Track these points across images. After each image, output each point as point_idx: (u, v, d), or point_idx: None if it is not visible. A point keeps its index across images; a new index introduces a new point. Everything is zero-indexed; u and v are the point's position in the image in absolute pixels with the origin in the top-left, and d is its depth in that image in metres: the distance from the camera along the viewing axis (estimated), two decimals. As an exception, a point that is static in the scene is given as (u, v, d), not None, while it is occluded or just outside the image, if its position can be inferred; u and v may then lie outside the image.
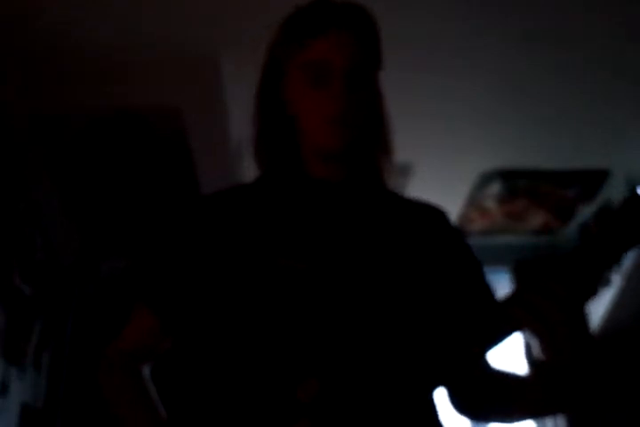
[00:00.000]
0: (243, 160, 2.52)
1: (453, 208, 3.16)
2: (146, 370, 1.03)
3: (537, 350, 0.85)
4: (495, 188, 3.05)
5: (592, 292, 0.84)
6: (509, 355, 3.20)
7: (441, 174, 2.92)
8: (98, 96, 2.40)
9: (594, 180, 3.03)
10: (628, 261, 3.02)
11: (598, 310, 3.20)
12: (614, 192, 3.04)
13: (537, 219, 3.32)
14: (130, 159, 2.71)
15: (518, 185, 3.05)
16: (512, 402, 0.95)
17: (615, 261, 0.81)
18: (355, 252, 0.96)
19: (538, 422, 3.27)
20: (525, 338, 0.85)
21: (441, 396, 1.00)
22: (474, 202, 3.14)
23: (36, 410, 2.78)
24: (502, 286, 3.40)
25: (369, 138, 1.08)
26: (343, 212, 1.02)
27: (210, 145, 2.62)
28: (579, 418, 3.11)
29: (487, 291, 1.04)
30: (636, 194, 0.78)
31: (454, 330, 0.87)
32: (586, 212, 3.26)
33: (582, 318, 0.83)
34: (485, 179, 2.98)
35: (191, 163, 2.72)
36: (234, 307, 0.95)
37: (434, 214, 1.12)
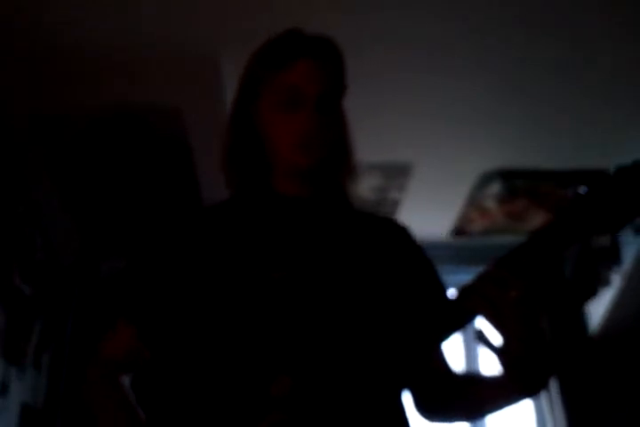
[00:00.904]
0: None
1: (453, 208, 3.16)
2: (125, 380, 1.08)
3: (492, 339, 0.88)
4: (495, 188, 3.05)
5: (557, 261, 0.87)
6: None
7: (441, 174, 2.91)
8: (98, 96, 2.40)
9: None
10: (628, 261, 3.02)
11: (598, 310, 3.20)
12: (614, 192, 3.03)
13: (537, 219, 3.32)
14: (130, 159, 2.71)
15: (518, 185, 3.05)
16: (471, 397, 1.01)
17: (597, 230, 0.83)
18: (322, 260, 1.04)
19: (538, 421, 3.27)
20: (477, 327, 0.90)
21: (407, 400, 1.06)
22: (474, 202, 3.14)
23: (36, 410, 2.78)
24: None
25: (335, 158, 1.16)
26: (310, 225, 1.10)
27: (210, 145, 2.61)
28: (578, 418, 3.11)
29: (441, 290, 1.13)
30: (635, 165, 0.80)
31: (411, 324, 0.92)
32: (586, 212, 3.25)
33: (533, 307, 0.87)
34: (485, 179, 2.98)
35: (191, 163, 2.72)
36: (206, 312, 1.02)
37: (393, 227, 1.20)
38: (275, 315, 0.98)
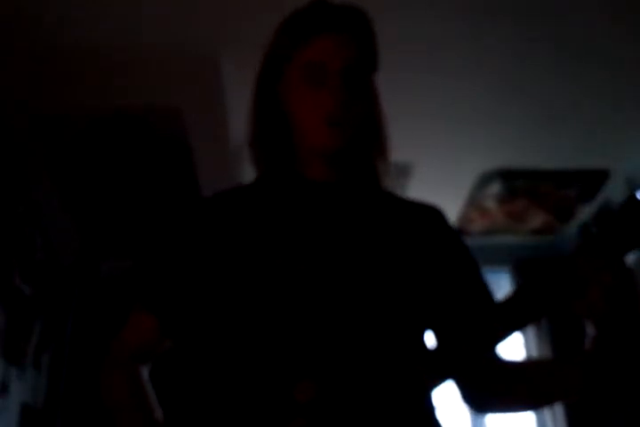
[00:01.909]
0: (243, 160, 2.52)
1: (453, 208, 3.16)
2: (144, 371, 1.03)
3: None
4: (495, 188, 3.05)
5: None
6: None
7: (441, 174, 2.92)
8: (98, 96, 2.40)
9: (594, 180, 3.03)
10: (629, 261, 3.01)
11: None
12: (614, 192, 3.04)
13: (537, 219, 3.32)
14: (130, 159, 2.71)
15: (518, 185, 3.05)
16: (520, 389, 0.96)
17: (614, 263, 0.82)
18: (348, 252, 0.97)
19: (537, 421, 3.27)
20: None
21: (440, 393, 1.01)
22: (474, 202, 3.14)
23: (36, 410, 2.78)
24: (502, 285, 3.40)
25: (365, 139, 1.09)
26: (336, 213, 1.03)
27: (210, 145, 2.62)
28: (578, 418, 3.11)
29: (484, 288, 1.05)
30: (635, 196, 0.79)
31: (451, 329, 0.87)
32: (586, 212, 3.26)
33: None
34: (485, 179, 2.98)
35: (191, 163, 2.72)
36: (230, 307, 0.96)
37: (430, 214, 1.12)
38: (297, 311, 0.92)
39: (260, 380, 0.90)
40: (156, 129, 2.56)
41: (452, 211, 3.18)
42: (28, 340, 2.71)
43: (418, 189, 2.97)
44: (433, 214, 1.13)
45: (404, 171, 2.86)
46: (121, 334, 1.06)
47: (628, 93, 2.50)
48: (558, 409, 3.14)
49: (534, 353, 3.28)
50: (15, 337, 2.55)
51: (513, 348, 3.31)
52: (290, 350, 0.90)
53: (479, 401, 1.02)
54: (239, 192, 1.10)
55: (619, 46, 2.26)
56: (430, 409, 0.95)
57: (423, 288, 0.98)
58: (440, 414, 0.96)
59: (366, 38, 1.05)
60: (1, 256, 2.43)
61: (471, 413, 1.07)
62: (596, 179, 3.03)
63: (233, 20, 2.11)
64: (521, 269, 3.44)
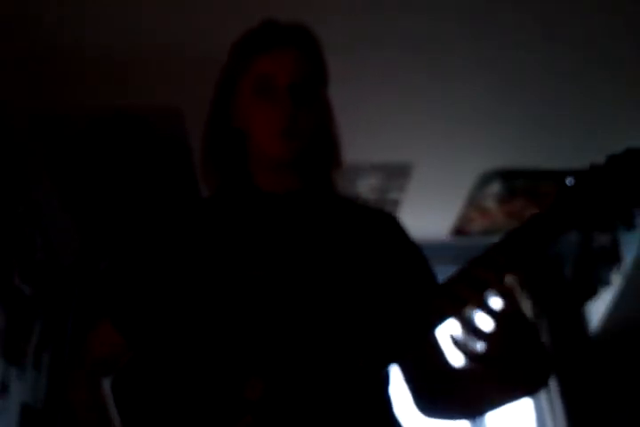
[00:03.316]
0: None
1: (453, 208, 3.16)
2: (106, 383, 1.09)
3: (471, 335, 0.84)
4: (495, 188, 3.05)
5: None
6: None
7: (441, 174, 2.91)
8: (98, 96, 2.40)
9: (594, 180, 3.03)
10: (628, 261, 3.02)
11: (598, 310, 3.20)
12: (614, 192, 3.03)
13: (537, 219, 3.32)
14: (130, 159, 2.71)
15: (518, 185, 3.05)
16: (469, 393, 0.98)
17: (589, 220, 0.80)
18: (302, 258, 1.02)
19: (537, 421, 3.27)
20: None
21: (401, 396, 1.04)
22: (474, 202, 3.14)
23: (35, 410, 2.78)
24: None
25: (318, 149, 1.13)
26: (292, 222, 1.07)
27: (210, 145, 2.62)
28: (579, 418, 3.11)
29: (431, 283, 1.08)
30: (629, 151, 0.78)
31: (397, 319, 0.89)
32: (586, 212, 3.25)
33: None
34: (485, 179, 2.98)
35: (191, 163, 2.72)
36: (185, 309, 1.02)
37: (382, 218, 1.16)
38: (251, 314, 0.97)
39: (211, 375, 0.96)
40: (156, 129, 2.56)
41: (452, 211, 3.18)
42: (28, 340, 2.71)
43: (418, 190, 2.97)
44: (385, 218, 1.17)
45: (404, 171, 2.86)
46: (86, 345, 1.12)
47: (628, 93, 2.50)
48: (558, 409, 3.14)
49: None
50: (15, 337, 2.55)
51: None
52: (241, 346, 0.95)
53: (424, 405, 1.05)
54: (199, 205, 1.16)
55: (619, 46, 2.26)
56: (383, 406, 0.98)
57: (371, 288, 1.02)
58: (397, 410, 0.99)
59: (313, 54, 1.11)
60: (1, 256, 2.43)
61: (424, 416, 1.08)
62: (596, 179, 3.02)
63: (233, 20, 2.10)
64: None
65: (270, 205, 1.09)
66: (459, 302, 0.82)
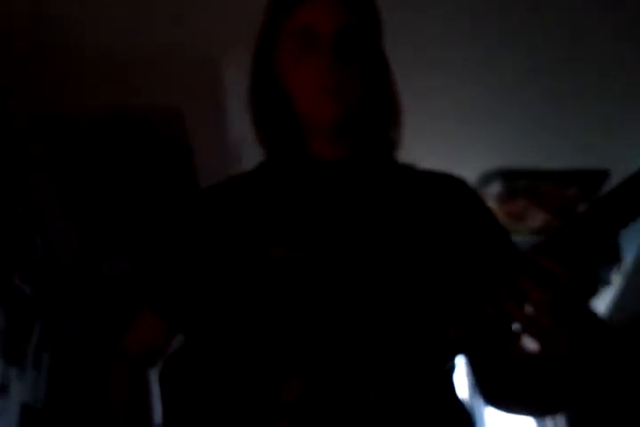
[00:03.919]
0: (242, 160, 2.52)
1: (453, 208, 3.16)
2: (151, 374, 1.02)
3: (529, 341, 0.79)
4: (495, 188, 3.05)
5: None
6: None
7: (441, 174, 2.91)
8: (98, 96, 2.40)
9: (594, 180, 3.03)
10: (628, 261, 3.02)
11: (598, 309, 3.20)
12: (614, 192, 3.03)
13: (537, 219, 3.32)
14: (130, 159, 2.71)
15: (518, 185, 3.04)
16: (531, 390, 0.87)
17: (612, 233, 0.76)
18: (355, 238, 0.89)
19: (538, 421, 3.27)
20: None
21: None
22: (474, 202, 3.14)
23: (36, 410, 2.78)
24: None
25: (372, 109, 1.00)
26: (345, 195, 0.95)
27: (210, 145, 2.62)
28: (579, 418, 3.11)
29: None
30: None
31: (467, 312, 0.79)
32: (586, 212, 3.25)
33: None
34: (485, 179, 2.98)
35: (191, 163, 2.72)
36: (228, 304, 0.92)
37: (450, 185, 1.04)
38: (291, 304, 0.86)
39: (245, 376, 0.86)
40: (156, 129, 2.56)
41: (452, 211, 3.18)
42: (28, 340, 2.71)
43: (418, 189, 2.97)
44: (452, 185, 1.04)
45: (404, 171, 2.86)
46: (128, 335, 1.04)
47: (628, 93, 2.50)
48: (558, 409, 3.14)
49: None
50: (15, 337, 2.54)
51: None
52: (278, 344, 0.85)
53: (491, 392, 0.92)
54: (242, 180, 1.04)
55: (619, 46, 2.26)
56: (430, 414, 0.85)
57: (437, 276, 0.89)
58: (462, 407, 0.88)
59: (361, 1, 0.98)
60: (1, 256, 2.43)
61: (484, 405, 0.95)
62: (596, 179, 3.02)
63: (233, 20, 2.10)
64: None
65: (319, 176, 0.96)
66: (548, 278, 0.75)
